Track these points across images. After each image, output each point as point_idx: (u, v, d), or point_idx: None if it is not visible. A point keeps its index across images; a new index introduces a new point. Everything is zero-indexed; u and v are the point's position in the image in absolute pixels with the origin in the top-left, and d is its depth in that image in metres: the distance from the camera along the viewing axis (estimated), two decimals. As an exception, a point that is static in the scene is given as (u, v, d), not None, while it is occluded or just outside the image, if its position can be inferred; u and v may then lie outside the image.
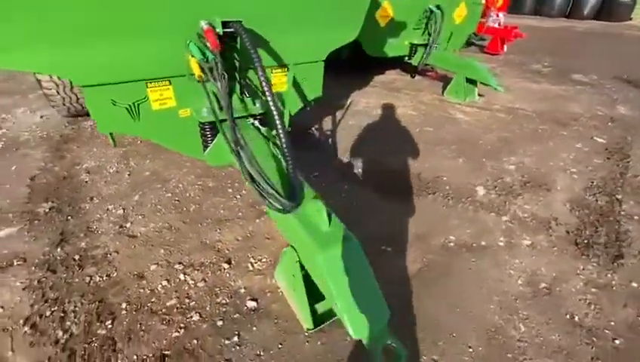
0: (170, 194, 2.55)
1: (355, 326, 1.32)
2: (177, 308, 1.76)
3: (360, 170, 3.03)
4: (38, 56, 1.57)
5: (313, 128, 3.73)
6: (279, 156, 1.87)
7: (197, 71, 1.85)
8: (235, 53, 2.06)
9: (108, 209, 2.38)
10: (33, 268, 1.91)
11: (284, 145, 1.67)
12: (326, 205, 1.53)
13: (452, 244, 2.23)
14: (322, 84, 2.69)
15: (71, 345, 1.55)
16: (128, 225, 2.26)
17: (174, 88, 2.04)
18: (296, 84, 2.57)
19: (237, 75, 2.15)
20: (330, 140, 3.51)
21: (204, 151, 2.26)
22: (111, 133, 2.10)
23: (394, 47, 4.87)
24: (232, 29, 1.78)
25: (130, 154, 3.01)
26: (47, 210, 2.32)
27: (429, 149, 3.39)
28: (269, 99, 1.74)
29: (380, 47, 4.77)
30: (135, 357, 1.52)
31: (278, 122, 1.69)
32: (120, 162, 2.90)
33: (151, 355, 1.53)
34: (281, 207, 1.49)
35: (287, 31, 2.22)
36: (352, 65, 5.28)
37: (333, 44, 2.55)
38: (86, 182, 2.64)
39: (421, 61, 4.93)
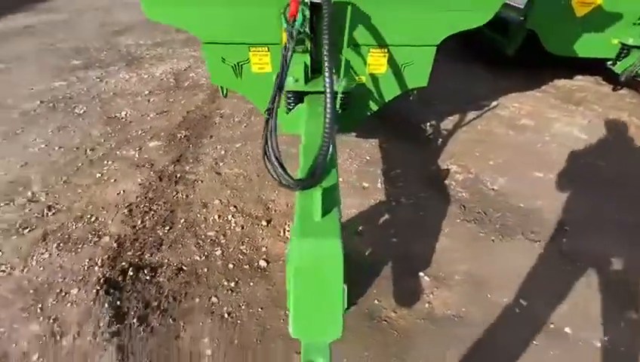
0: (260, 150, 2.90)
1: (298, 325, 1.23)
2: (212, 239, 2.07)
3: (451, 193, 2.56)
4: (181, 13, 2.06)
5: (428, 123, 3.35)
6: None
7: (284, 40, 1.97)
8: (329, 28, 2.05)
9: (215, 147, 2.93)
10: (152, 172, 2.62)
11: (327, 127, 1.61)
12: (336, 197, 1.42)
13: None
14: (429, 73, 2.34)
15: (139, 234, 2.09)
16: (221, 164, 2.74)
17: (272, 55, 2.24)
18: (396, 69, 2.34)
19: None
20: (439, 141, 3.08)
21: (286, 119, 2.42)
22: (221, 86, 2.53)
23: (593, 46, 3.63)
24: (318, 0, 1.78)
25: (256, 111, 3.54)
26: (181, 136, 3.08)
27: (596, 200, 2.48)
28: (326, 75, 1.69)
29: (570, 44, 3.65)
30: (165, 260, 1.92)
31: (328, 102, 1.64)
32: (245, 115, 3.47)
33: (173, 263, 1.90)
34: (286, 183, 1.48)
35: (395, 7, 2.02)
36: (520, 63, 4.25)
37: (451, 28, 2.15)
38: (215, 123, 3.31)
39: (632, 69, 3.51)
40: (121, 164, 2.73)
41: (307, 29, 2.03)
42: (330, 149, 1.67)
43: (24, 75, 4.28)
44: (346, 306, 1.26)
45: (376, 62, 2.24)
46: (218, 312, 1.66)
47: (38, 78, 4.18)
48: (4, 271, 1.84)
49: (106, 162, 2.73)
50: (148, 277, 1.82)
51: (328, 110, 1.65)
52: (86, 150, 2.88)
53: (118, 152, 2.86)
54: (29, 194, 2.38)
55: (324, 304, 1.25)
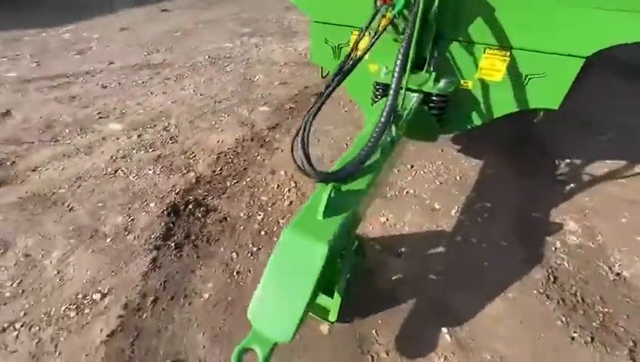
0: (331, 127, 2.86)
1: (256, 309, 1.21)
2: (261, 204, 2.23)
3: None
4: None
5: (567, 158, 2.56)
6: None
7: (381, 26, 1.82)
8: (431, 18, 1.78)
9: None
10: (249, 132, 2.96)
11: (377, 130, 1.47)
12: (353, 203, 1.31)
13: None
14: (565, 93, 1.75)
15: (213, 179, 2.44)
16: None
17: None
18: (517, 79, 1.84)
19: (430, 44, 1.87)
20: (571, 185, 2.33)
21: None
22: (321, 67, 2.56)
23: None
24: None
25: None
26: (288, 108, 3.33)
27: None
28: (396, 70, 1.51)
29: None
30: (219, 207, 2.19)
31: (389, 103, 1.48)
32: (353, 102, 3.45)
33: (223, 212, 2.15)
34: (305, 170, 1.42)
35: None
36: None
37: (619, 35, 1.50)
38: (308, 99, 3.42)
39: None
40: (232, 118, 3.18)
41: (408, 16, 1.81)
42: (376, 156, 1.51)
43: (208, 35, 5.41)
44: (304, 314, 1.17)
45: (491, 66, 1.82)
46: (231, 268, 1.81)
47: (215, 39, 5.21)
48: (124, 174, 2.48)
49: (223, 114, 3.24)
50: (200, 215, 2.13)
51: (385, 112, 1.48)
52: (216, 101, 3.48)
53: (235, 108, 3.35)
54: (166, 123, 3.08)
55: (287, 303, 1.19)
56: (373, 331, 1.55)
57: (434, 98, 1.96)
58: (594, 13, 1.52)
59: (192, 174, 2.48)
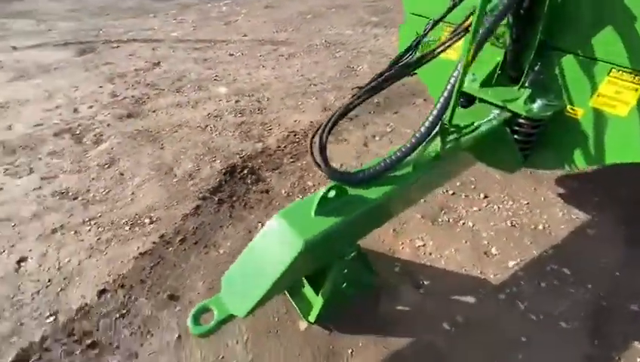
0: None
1: (228, 277, 1.26)
2: (305, 188, 2.26)
3: None
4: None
5: None
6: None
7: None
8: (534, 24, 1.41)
9: (384, 117, 2.89)
10: (325, 116, 2.98)
11: (415, 137, 1.30)
12: (354, 210, 1.22)
13: None
14: None
15: (276, 153, 2.58)
16: (369, 136, 2.71)
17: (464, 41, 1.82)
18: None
19: (530, 53, 1.50)
20: None
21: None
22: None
23: None
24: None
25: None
26: (374, 102, 3.20)
27: None
28: (452, 77, 1.29)
29: None
30: (267, 179, 2.32)
31: (435, 110, 1.29)
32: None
33: (268, 185, 2.26)
34: (318, 163, 1.34)
35: None
36: None
37: None
38: (404, 98, 3.17)
39: None
40: (318, 102, 3.26)
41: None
42: (407, 169, 1.34)
43: (335, 19, 5.57)
44: (263, 299, 1.16)
45: (615, 94, 1.38)
46: (251, 235, 1.91)
47: (339, 24, 5.34)
48: (210, 131, 2.86)
49: (312, 97, 3.35)
50: (248, 182, 2.30)
51: (427, 122, 1.29)
52: (311, 83, 3.61)
53: (325, 93, 3.41)
54: (261, 95, 3.38)
55: (252, 283, 1.21)
56: (349, 351, 1.43)
57: (521, 121, 1.58)
58: None
59: (260, 145, 2.67)
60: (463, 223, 2.01)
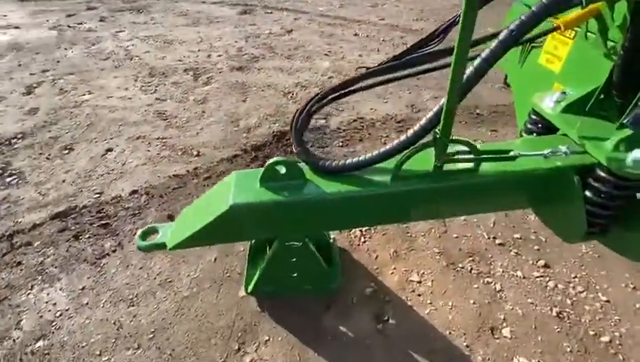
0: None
1: (183, 213, 1.35)
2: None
3: None
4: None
5: None
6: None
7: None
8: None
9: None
10: (401, 114, 2.69)
11: (396, 142, 1.07)
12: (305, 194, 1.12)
13: None
14: None
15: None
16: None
17: (574, 48, 1.30)
18: None
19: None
20: None
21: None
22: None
23: None
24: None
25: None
26: (465, 113, 2.68)
27: None
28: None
29: None
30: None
31: (423, 120, 1.02)
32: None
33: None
34: (293, 142, 1.24)
35: None
36: None
37: None
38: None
39: None
40: (404, 99, 2.96)
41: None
42: (383, 177, 1.12)
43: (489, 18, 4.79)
44: (186, 241, 1.21)
45: None
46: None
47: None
48: (293, 96, 2.98)
49: (403, 90, 3.06)
50: (288, 150, 2.34)
51: (418, 124, 1.04)
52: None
53: (418, 91, 3.06)
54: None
55: (192, 222, 1.27)
56: (266, 337, 1.34)
57: (601, 174, 1.06)
58: None
59: (322, 121, 2.65)
60: (488, 282, 1.53)
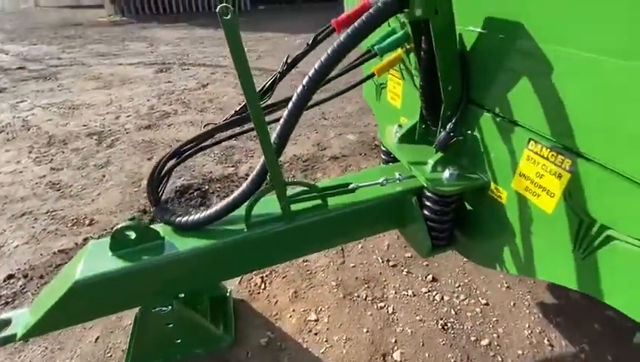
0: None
1: (37, 299, 1.22)
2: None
3: None
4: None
5: None
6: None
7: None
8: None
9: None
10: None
11: (243, 189, 1.11)
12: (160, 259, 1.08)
13: None
14: None
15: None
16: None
17: (405, 88, 1.50)
18: (586, 229, 0.82)
19: (449, 105, 1.13)
20: None
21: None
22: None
23: None
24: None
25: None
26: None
27: None
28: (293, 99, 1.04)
29: None
30: (211, 205, 2.27)
31: (261, 161, 1.08)
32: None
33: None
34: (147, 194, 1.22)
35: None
36: None
37: None
38: None
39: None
40: (312, 137, 3.13)
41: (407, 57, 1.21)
42: (238, 226, 1.14)
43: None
44: (37, 325, 1.09)
45: (537, 177, 0.96)
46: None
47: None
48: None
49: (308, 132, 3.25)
50: (192, 203, 2.29)
51: (256, 170, 1.09)
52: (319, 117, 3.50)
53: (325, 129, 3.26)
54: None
55: (46, 301, 1.13)
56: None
57: (428, 194, 1.19)
58: None
59: (231, 169, 2.67)
60: (381, 307, 1.58)
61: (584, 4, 0.70)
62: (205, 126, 1.25)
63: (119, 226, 1.09)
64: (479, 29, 0.97)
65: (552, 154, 0.85)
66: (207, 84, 4.68)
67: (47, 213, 2.28)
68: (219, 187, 2.47)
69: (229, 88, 4.47)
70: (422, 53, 1.05)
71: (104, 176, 2.65)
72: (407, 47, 1.20)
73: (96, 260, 1.10)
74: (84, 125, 3.53)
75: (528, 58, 0.84)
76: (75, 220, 2.19)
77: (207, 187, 2.47)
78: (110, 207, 2.30)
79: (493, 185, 1.08)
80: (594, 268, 0.81)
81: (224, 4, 0.74)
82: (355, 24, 0.92)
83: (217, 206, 1.15)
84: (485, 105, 1.03)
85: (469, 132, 1.11)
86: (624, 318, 0.97)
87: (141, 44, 7.34)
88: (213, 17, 11.13)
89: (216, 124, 1.25)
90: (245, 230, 1.14)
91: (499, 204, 1.07)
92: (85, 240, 2.02)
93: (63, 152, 3.02)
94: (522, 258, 1.04)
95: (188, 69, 5.43)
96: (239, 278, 1.75)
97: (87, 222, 2.17)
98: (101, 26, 9.97)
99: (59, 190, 2.51)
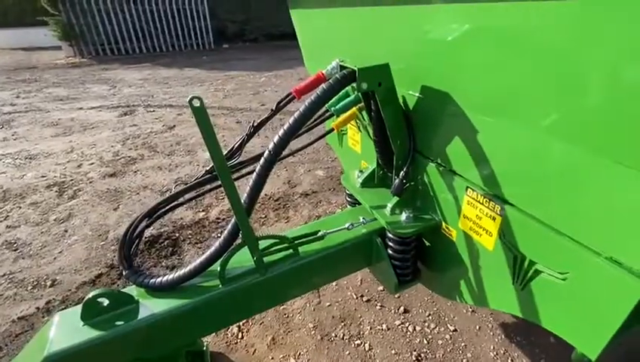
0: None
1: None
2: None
3: None
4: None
5: None
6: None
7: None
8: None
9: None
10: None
11: (216, 245, 1.16)
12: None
13: None
14: (610, 339, 0.76)
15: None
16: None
17: (362, 137, 1.66)
18: (519, 263, 0.96)
19: (401, 155, 1.27)
20: None
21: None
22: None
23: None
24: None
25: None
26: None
27: None
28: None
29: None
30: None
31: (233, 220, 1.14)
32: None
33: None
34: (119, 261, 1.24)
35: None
36: None
37: None
38: None
39: None
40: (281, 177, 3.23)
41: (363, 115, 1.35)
42: (213, 281, 1.17)
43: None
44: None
45: (477, 219, 1.08)
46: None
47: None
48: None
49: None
50: (163, 254, 2.26)
51: (229, 226, 1.15)
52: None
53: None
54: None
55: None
56: None
57: (389, 235, 1.30)
58: None
59: (202, 214, 2.68)
60: (358, 345, 1.63)
61: (491, 83, 0.87)
62: (176, 186, 1.30)
63: (91, 294, 1.09)
64: (418, 94, 1.14)
65: (486, 200, 1.00)
66: (174, 125, 4.70)
67: (3, 276, 2.14)
68: (190, 233, 2.46)
69: (196, 129, 4.51)
70: (372, 113, 1.20)
71: (66, 231, 2.55)
72: (360, 105, 1.36)
73: (67, 332, 1.08)
74: (43, 176, 3.39)
75: (456, 120, 1.00)
76: (35, 282, 2.07)
77: (177, 235, 2.45)
78: (74, 264, 2.21)
79: (444, 225, 1.22)
80: (531, 298, 0.94)
81: (194, 96, 0.83)
82: (314, 96, 1.05)
83: (191, 265, 1.18)
84: (430, 156, 1.18)
85: (420, 178, 1.26)
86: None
87: (103, 87, 7.25)
88: (176, 57, 11.28)
89: (186, 183, 1.30)
90: (220, 286, 1.18)
91: (451, 241, 1.20)
92: (48, 303, 1.92)
93: (20, 207, 2.87)
94: (476, 289, 1.16)
95: (153, 110, 5.43)
96: (216, 329, 1.74)
97: (48, 283, 2.06)
98: (58, 68, 9.74)
99: (16, 250, 2.37)
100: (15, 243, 2.44)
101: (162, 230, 2.49)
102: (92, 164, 3.62)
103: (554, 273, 0.85)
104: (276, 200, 2.87)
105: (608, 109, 0.64)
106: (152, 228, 2.49)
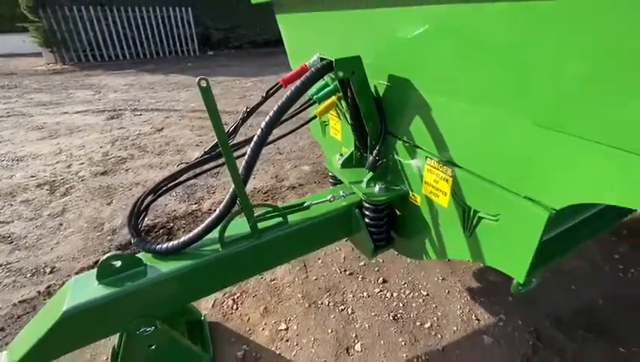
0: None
1: (22, 331, 1.28)
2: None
3: None
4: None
5: None
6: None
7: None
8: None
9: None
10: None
11: (216, 212, 1.33)
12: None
13: None
14: (530, 262, 0.99)
15: (202, 215, 2.69)
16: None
17: (342, 125, 1.87)
18: (466, 213, 1.18)
19: (374, 135, 1.49)
20: None
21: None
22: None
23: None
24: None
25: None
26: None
27: None
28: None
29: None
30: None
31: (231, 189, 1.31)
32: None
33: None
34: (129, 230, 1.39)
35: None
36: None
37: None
38: None
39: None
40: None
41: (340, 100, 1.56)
42: (214, 246, 1.34)
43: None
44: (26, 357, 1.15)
45: (435, 183, 1.31)
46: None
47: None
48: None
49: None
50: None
51: (228, 194, 1.32)
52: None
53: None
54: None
55: (30, 337, 1.20)
56: None
57: (366, 205, 1.51)
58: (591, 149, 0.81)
59: (194, 206, 2.82)
60: (342, 309, 1.82)
61: (439, 70, 1.10)
62: (179, 165, 1.47)
63: (105, 256, 1.24)
64: (386, 83, 1.36)
65: (441, 165, 1.22)
66: (163, 128, 4.81)
67: (0, 265, 2.22)
68: (184, 223, 2.60)
69: (185, 130, 4.65)
70: (349, 100, 1.42)
71: (61, 224, 2.64)
72: (339, 95, 1.57)
73: (83, 291, 1.22)
74: (33, 176, 3.45)
75: (416, 102, 1.23)
76: (34, 270, 2.17)
77: (172, 224, 2.58)
78: (72, 253, 2.31)
79: (410, 193, 1.43)
80: (476, 243, 1.16)
81: (202, 77, 1.02)
82: (298, 82, 1.26)
83: (193, 231, 1.35)
84: (398, 135, 1.41)
85: (390, 155, 1.48)
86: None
87: (87, 92, 7.25)
88: (161, 63, 11.32)
89: (187, 162, 1.48)
90: (220, 249, 1.35)
91: (416, 206, 1.42)
92: (49, 287, 2.02)
93: (12, 205, 2.93)
94: (437, 244, 1.38)
95: (140, 114, 5.51)
96: (212, 302, 1.89)
97: (48, 270, 2.16)
98: (39, 74, 9.63)
99: (11, 243, 2.45)
100: (9, 236, 2.52)
101: (157, 221, 2.62)
102: (82, 163, 3.70)
103: (490, 217, 1.08)
104: (265, 193, 3.04)
105: (521, 80, 0.86)
106: (147, 218, 2.62)
